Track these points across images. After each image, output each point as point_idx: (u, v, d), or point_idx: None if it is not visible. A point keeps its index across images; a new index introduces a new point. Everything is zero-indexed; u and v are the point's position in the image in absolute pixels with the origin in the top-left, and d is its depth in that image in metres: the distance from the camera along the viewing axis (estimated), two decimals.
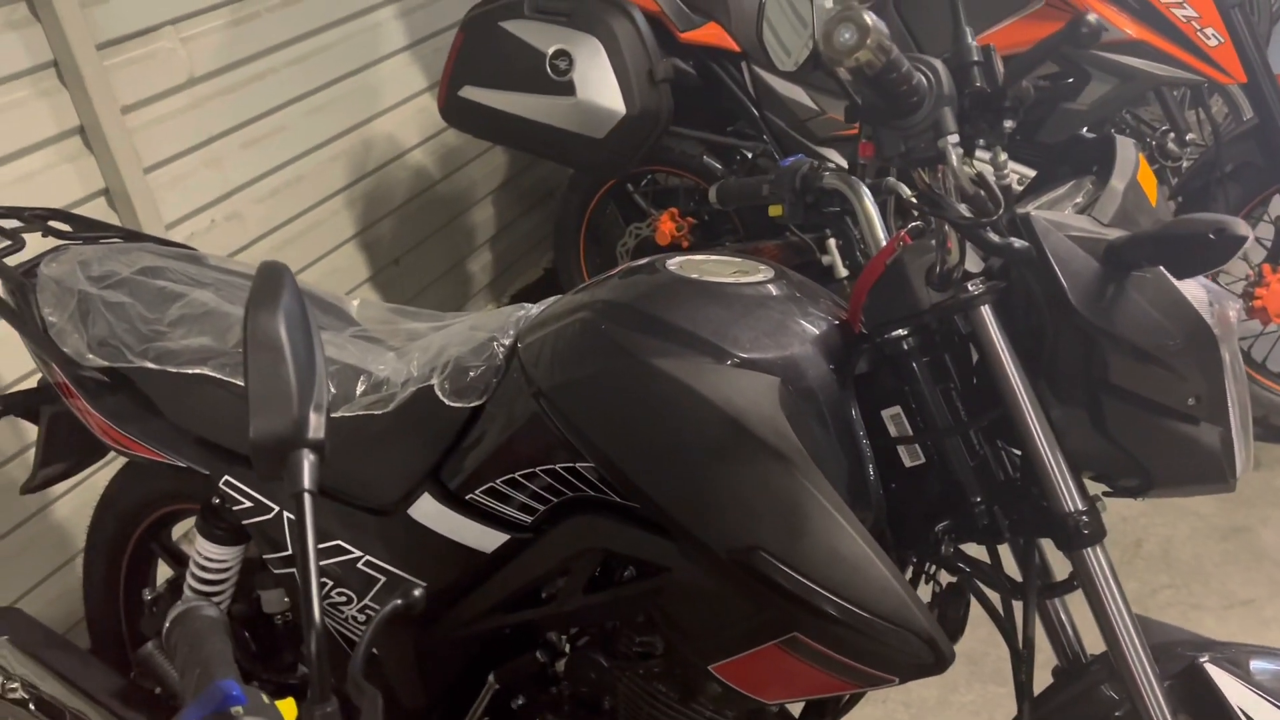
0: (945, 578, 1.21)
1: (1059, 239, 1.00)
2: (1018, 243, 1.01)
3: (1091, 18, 1.05)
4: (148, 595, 1.79)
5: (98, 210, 2.43)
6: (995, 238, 1.01)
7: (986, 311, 1.05)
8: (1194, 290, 1.01)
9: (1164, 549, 2.32)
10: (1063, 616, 1.22)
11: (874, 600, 1.03)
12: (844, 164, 2.68)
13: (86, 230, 1.83)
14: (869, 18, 0.89)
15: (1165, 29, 2.22)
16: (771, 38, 1.53)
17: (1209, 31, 2.21)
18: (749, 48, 2.68)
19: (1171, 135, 3.20)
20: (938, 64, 1.01)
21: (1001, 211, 1.01)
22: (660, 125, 2.62)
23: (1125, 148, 1.11)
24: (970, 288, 1.05)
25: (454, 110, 2.72)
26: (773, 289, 1.19)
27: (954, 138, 0.99)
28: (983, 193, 1.00)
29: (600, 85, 2.50)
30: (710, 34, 2.67)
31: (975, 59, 1.05)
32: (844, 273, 2.73)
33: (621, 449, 1.12)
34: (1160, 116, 3.11)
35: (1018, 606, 1.19)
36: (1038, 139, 2.47)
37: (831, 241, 2.73)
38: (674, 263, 1.23)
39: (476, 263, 3.74)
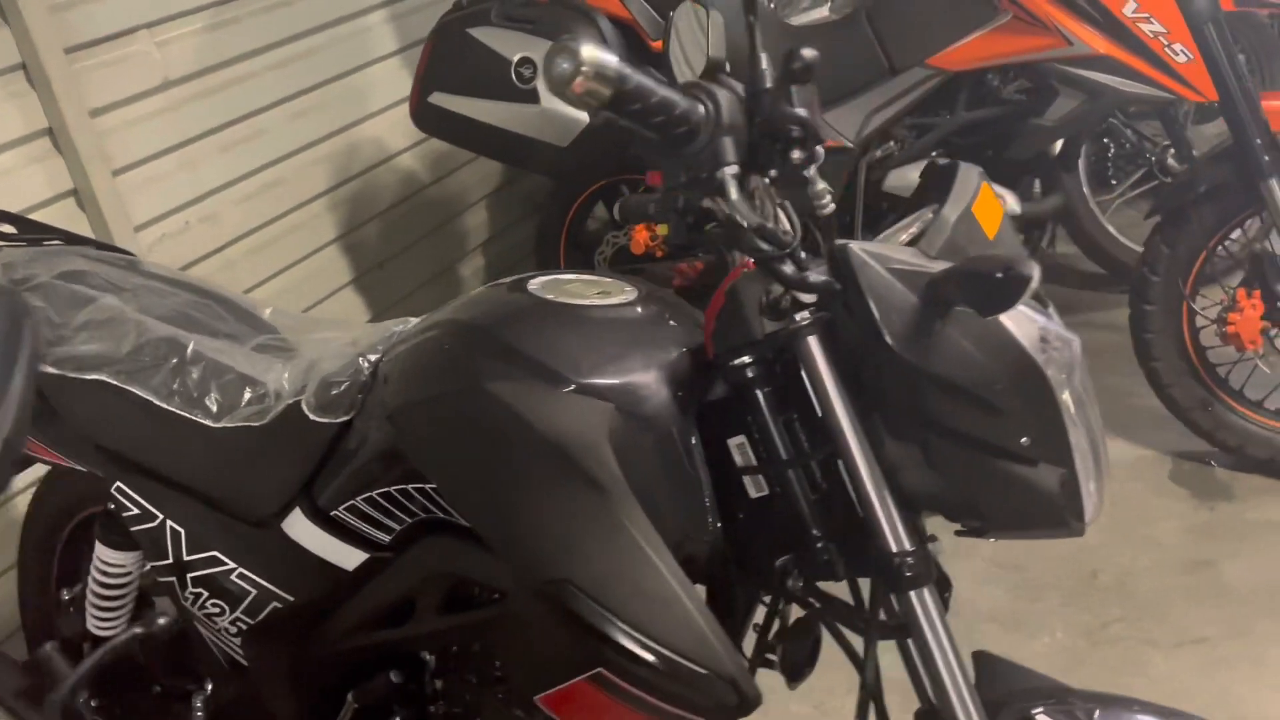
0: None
1: (875, 273, 0.97)
2: (813, 277, 0.98)
3: (806, 52, 1.01)
4: (65, 596, 1.81)
5: (67, 210, 2.47)
6: (789, 270, 0.98)
7: (813, 343, 1.01)
8: (1026, 327, 0.97)
9: (1121, 580, 2.24)
10: None
11: (676, 638, 1.00)
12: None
13: (32, 232, 1.85)
14: (588, 50, 0.86)
15: (1132, 44, 2.15)
16: (677, 49, 1.50)
17: (1177, 47, 2.14)
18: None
19: (1172, 152, 3.12)
20: (722, 93, 0.98)
21: (796, 243, 0.98)
22: (627, 135, 2.59)
23: (967, 175, 1.07)
24: (798, 318, 1.02)
25: (424, 116, 2.73)
26: (631, 311, 1.17)
27: (732, 169, 0.96)
28: (771, 225, 0.96)
29: None
30: None
31: (767, 86, 1.02)
32: None
33: (449, 473, 1.10)
34: (1163, 132, 3.03)
35: None
36: (1007, 155, 2.41)
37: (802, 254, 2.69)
38: (536, 283, 1.21)
39: (467, 268, 3.74)
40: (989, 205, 1.04)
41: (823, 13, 3.01)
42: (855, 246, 0.98)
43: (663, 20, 2.67)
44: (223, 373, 1.44)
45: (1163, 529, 2.37)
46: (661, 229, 2.69)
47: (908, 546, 1.02)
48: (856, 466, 1.01)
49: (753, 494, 1.11)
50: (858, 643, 1.17)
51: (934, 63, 2.38)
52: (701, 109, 0.95)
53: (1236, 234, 2.38)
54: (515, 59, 2.53)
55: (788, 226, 0.99)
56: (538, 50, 2.50)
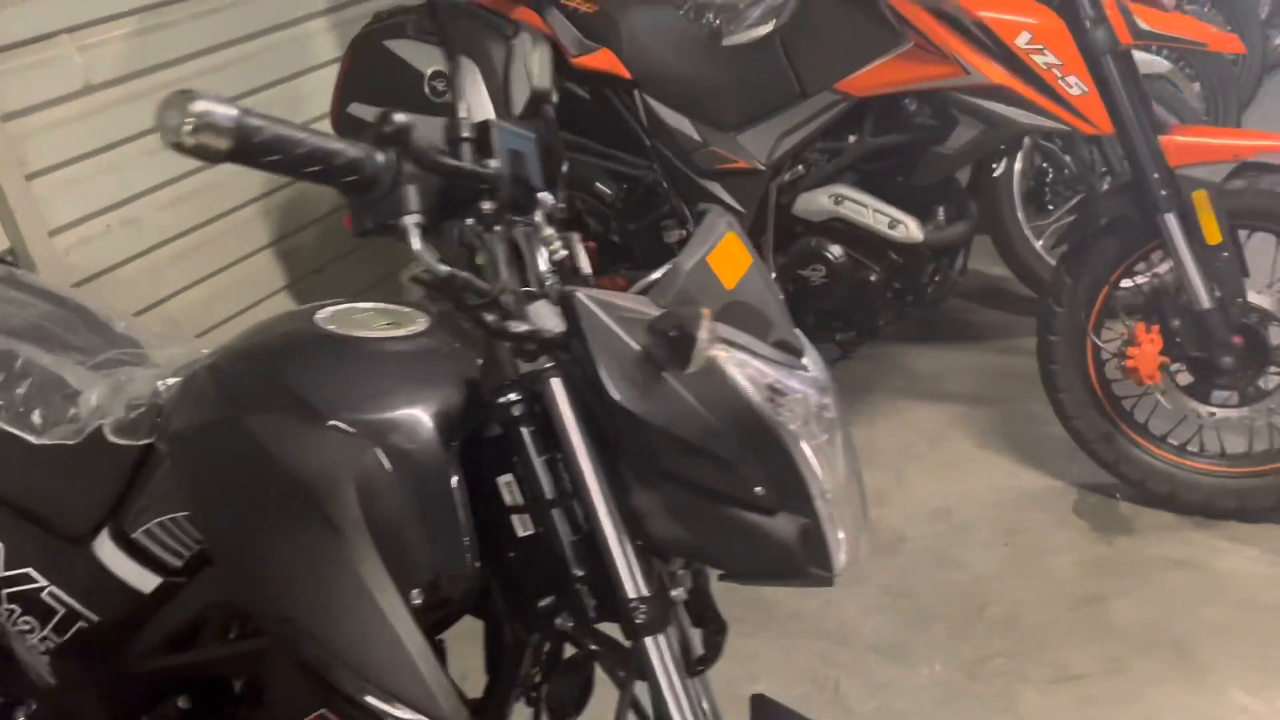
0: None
1: (600, 322, 0.96)
2: (515, 326, 0.97)
3: (398, 116, 1.00)
4: None
5: None
6: (491, 319, 0.97)
7: (556, 385, 1.01)
8: (755, 377, 0.96)
9: (1009, 614, 2.23)
10: (703, 704, 1.16)
11: (397, 684, 1.00)
12: (729, 199, 2.65)
13: None
14: (198, 103, 0.85)
15: (1026, 75, 2.14)
16: (515, 76, 1.51)
17: (1071, 80, 2.12)
18: (640, 75, 2.65)
19: (1109, 179, 3.10)
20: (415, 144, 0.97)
21: (498, 291, 0.97)
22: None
23: (712, 224, 1.06)
24: (544, 360, 1.01)
25: (343, 126, 2.74)
26: (412, 344, 1.17)
27: (414, 218, 0.96)
28: (464, 274, 0.96)
29: (475, 108, 2.48)
30: (602, 60, 2.65)
31: (465, 135, 1.01)
32: None
33: (200, 503, 1.11)
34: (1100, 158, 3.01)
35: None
36: (911, 182, 2.40)
37: None
38: (326, 312, 1.21)
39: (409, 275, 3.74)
40: (732, 254, 1.04)
41: (769, 28, 3.01)
42: (582, 294, 0.98)
43: (583, 38, 2.67)
44: (53, 388, 1.45)
45: (1058, 562, 2.35)
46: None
47: (644, 593, 1.01)
48: (595, 511, 1.01)
49: (520, 533, 1.11)
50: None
51: (841, 87, 2.37)
52: (381, 157, 0.95)
53: (1141, 267, 2.37)
54: (428, 73, 2.53)
55: (503, 273, 0.98)
56: (450, 64, 2.50)
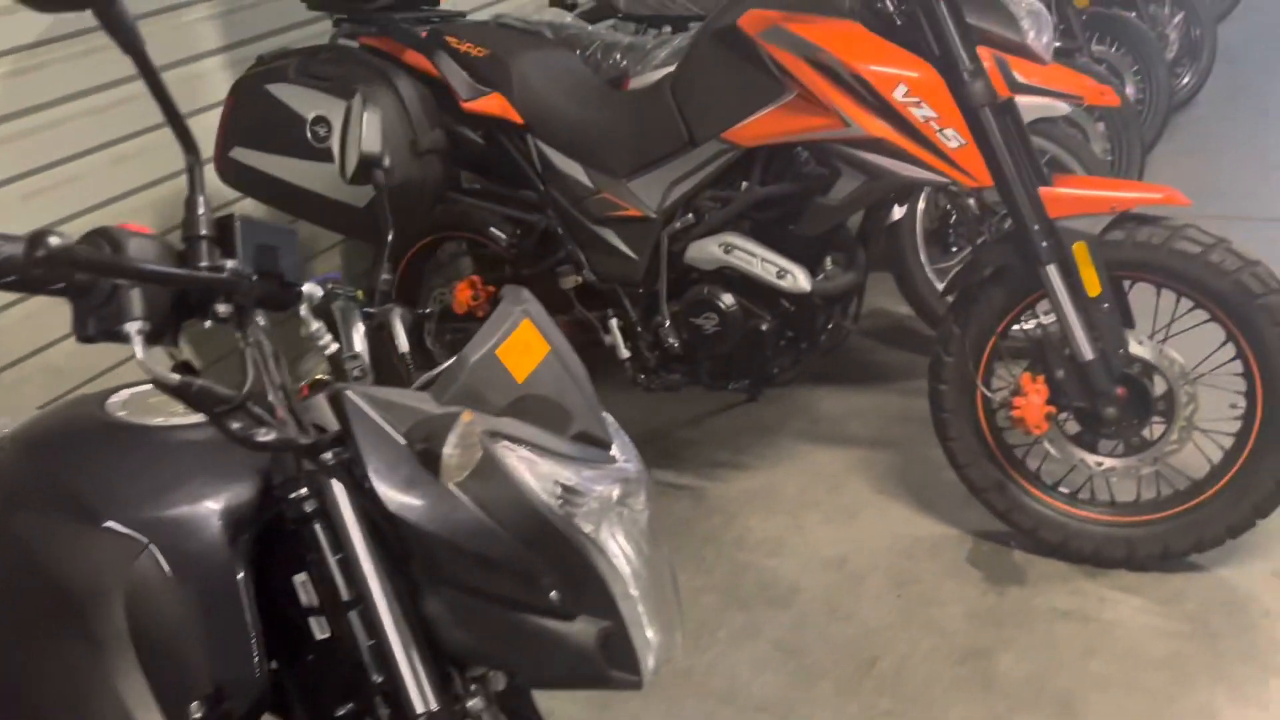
0: None
1: (371, 423, 0.91)
2: (262, 435, 0.92)
3: (53, 239, 0.95)
4: None
5: None
6: (236, 426, 0.92)
7: (336, 486, 0.96)
8: (543, 477, 0.92)
9: (897, 670, 2.20)
10: None
11: None
12: (622, 246, 2.62)
13: None
14: None
15: (904, 128, 2.13)
16: (348, 148, 1.48)
17: (949, 132, 2.11)
18: (532, 120, 2.61)
19: (1010, 222, 3.12)
20: (135, 243, 0.92)
21: (241, 398, 0.92)
22: (427, 196, 2.55)
23: (504, 313, 1.01)
24: (323, 458, 0.96)
25: (227, 171, 2.66)
26: (207, 432, 1.09)
27: (136, 325, 0.90)
28: (200, 383, 0.90)
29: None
30: (493, 105, 2.61)
31: (203, 233, 0.97)
32: (625, 354, 2.65)
33: None
34: None
35: None
36: (798, 232, 2.38)
37: (614, 322, 2.65)
38: (120, 396, 1.14)
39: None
40: (525, 344, 0.99)
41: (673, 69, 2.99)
42: (352, 393, 0.93)
43: (474, 82, 2.63)
44: None
45: (948, 613, 2.33)
46: None
47: (432, 707, 0.95)
48: (379, 619, 0.95)
49: (317, 635, 1.05)
50: None
51: (728, 137, 2.35)
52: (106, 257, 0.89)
53: (1029, 315, 2.37)
54: (310, 117, 2.47)
55: (251, 376, 0.93)
56: (332, 110, 2.45)
